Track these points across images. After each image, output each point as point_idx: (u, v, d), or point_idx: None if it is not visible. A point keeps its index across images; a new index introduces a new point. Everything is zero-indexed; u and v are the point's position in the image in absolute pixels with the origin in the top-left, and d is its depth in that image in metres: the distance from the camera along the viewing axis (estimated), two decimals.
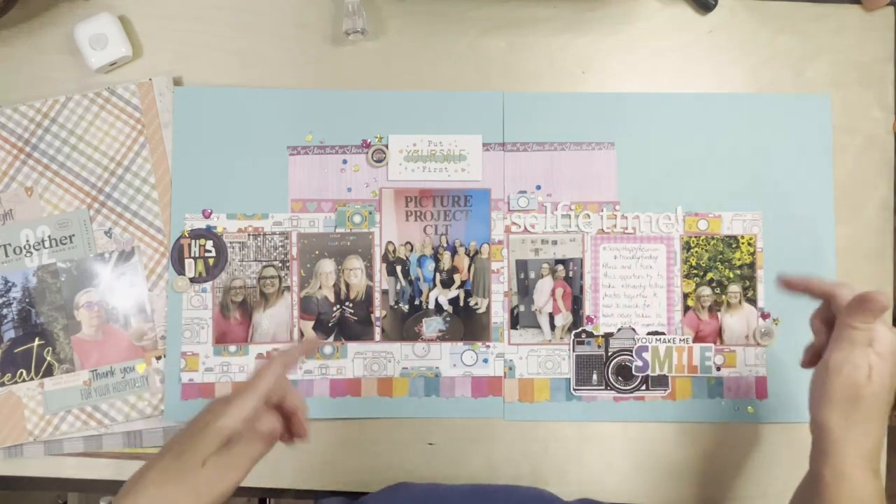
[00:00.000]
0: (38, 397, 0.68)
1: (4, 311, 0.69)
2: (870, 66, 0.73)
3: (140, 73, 0.72)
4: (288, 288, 0.70)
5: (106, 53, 0.70)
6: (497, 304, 0.71)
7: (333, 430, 0.70)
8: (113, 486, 0.69)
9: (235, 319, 0.70)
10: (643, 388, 0.70)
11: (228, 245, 0.70)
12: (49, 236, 0.70)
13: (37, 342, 0.69)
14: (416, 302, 0.71)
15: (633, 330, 0.71)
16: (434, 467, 0.70)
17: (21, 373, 0.69)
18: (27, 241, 0.70)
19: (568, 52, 0.73)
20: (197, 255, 0.70)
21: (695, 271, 0.71)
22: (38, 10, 0.73)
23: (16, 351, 0.69)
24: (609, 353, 0.70)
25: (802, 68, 0.73)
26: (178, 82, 0.72)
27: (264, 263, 0.70)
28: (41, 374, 0.69)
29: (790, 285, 0.57)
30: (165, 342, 0.69)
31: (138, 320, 0.69)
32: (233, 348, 0.70)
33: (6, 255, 0.69)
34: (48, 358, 0.69)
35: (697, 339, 0.71)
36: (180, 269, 0.70)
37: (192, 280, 0.70)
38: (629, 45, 0.73)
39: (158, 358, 0.69)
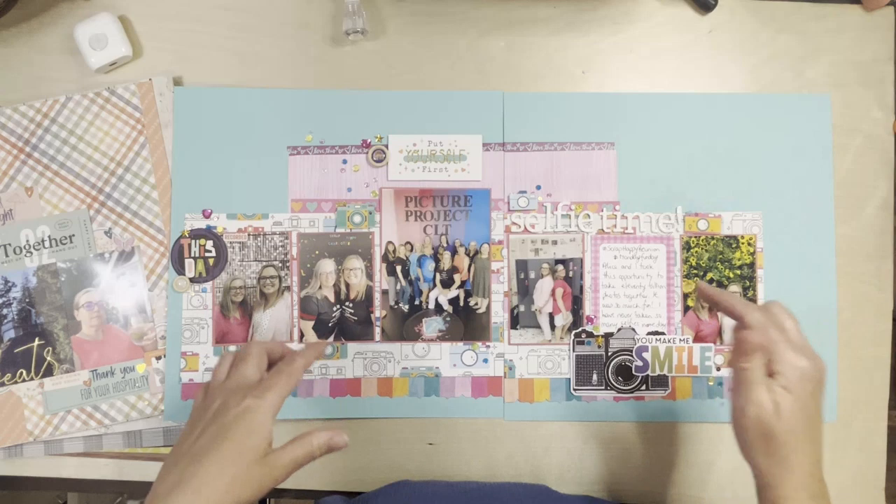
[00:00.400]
0: (38, 397, 0.68)
1: (4, 311, 0.69)
2: (870, 66, 0.73)
3: (140, 73, 0.72)
4: (288, 288, 0.70)
5: (106, 53, 0.70)
6: (497, 304, 0.71)
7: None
8: (113, 486, 0.70)
9: (235, 319, 0.70)
10: (643, 388, 0.70)
11: (228, 245, 0.70)
12: (49, 236, 0.70)
13: (37, 342, 0.69)
14: (416, 302, 0.71)
15: (633, 330, 0.71)
16: (434, 467, 0.70)
17: (21, 373, 0.69)
18: (27, 241, 0.70)
19: (568, 52, 0.73)
20: (197, 255, 0.70)
21: (695, 271, 0.71)
22: (38, 10, 0.73)
23: (16, 351, 0.69)
24: (609, 353, 0.70)
25: (802, 68, 0.73)
26: (178, 82, 0.72)
27: (264, 263, 0.70)
28: (41, 374, 0.69)
29: (704, 295, 0.57)
30: (165, 342, 0.69)
31: (138, 320, 0.69)
32: (233, 348, 0.70)
33: (6, 255, 0.69)
34: (48, 358, 0.69)
35: (697, 339, 0.71)
36: (180, 269, 0.70)
37: (193, 280, 0.70)
38: (629, 45, 0.73)
39: (158, 358, 0.69)
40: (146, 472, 0.69)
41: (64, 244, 0.70)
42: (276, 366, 0.53)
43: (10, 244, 0.70)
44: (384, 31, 0.73)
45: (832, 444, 0.70)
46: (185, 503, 0.44)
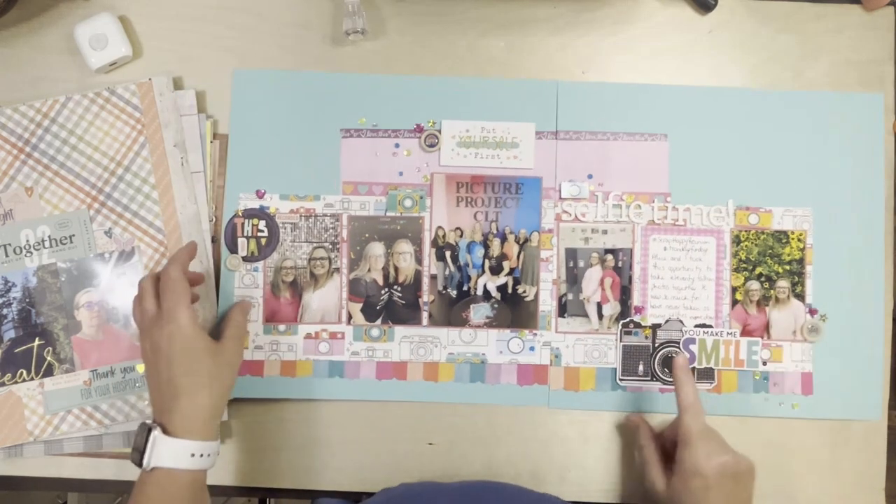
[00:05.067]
0: (38, 397, 0.68)
1: (4, 311, 0.69)
2: (870, 66, 0.73)
3: (140, 73, 0.72)
4: (338, 269, 0.71)
5: (106, 53, 0.70)
6: (545, 293, 0.71)
7: (334, 430, 0.70)
8: (113, 486, 0.70)
9: (286, 299, 0.71)
10: None
11: (280, 226, 0.71)
12: (49, 236, 0.70)
13: (37, 342, 0.69)
14: (465, 288, 0.71)
15: (681, 322, 0.71)
16: (434, 467, 0.70)
17: (21, 373, 0.69)
18: (27, 241, 0.70)
19: (568, 52, 0.73)
20: (250, 234, 0.71)
21: (744, 265, 0.71)
22: (38, 10, 0.73)
23: (16, 351, 0.69)
24: (656, 345, 0.70)
25: (802, 68, 0.73)
26: (177, 82, 0.72)
27: (315, 244, 0.71)
28: (41, 374, 0.69)
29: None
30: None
31: None
32: (282, 327, 0.70)
33: (6, 255, 0.69)
34: (48, 358, 0.69)
35: (745, 333, 0.71)
36: (233, 248, 0.71)
37: (245, 259, 0.71)
38: (629, 45, 0.73)
39: None
40: None
41: (64, 244, 0.70)
42: (161, 288, 0.61)
43: (10, 244, 0.70)
44: (384, 31, 0.73)
45: (832, 443, 0.70)
46: (178, 418, 0.57)
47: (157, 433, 0.55)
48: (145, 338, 0.60)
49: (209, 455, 0.58)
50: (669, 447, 0.64)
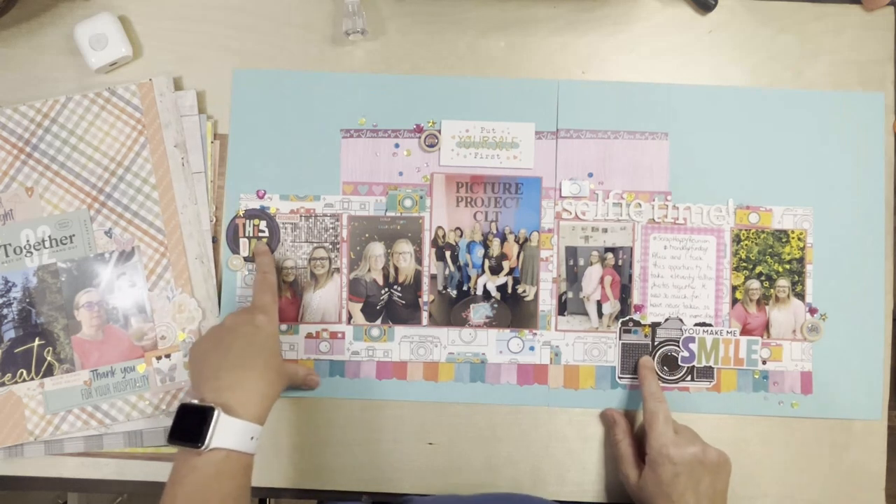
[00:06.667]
0: (38, 397, 0.68)
1: (4, 311, 0.69)
2: (870, 66, 0.73)
3: (140, 73, 0.72)
4: (338, 270, 0.71)
5: (106, 53, 0.70)
6: (545, 293, 0.71)
7: (334, 429, 0.70)
8: (113, 486, 0.70)
9: (286, 299, 0.71)
10: (688, 378, 0.70)
11: (281, 226, 0.71)
12: (49, 236, 0.70)
13: (37, 342, 0.69)
14: (465, 288, 0.71)
15: (681, 321, 0.71)
16: (434, 467, 0.70)
17: (21, 373, 0.69)
18: (27, 241, 0.70)
19: (568, 52, 0.73)
20: (251, 234, 0.71)
21: (744, 264, 0.71)
22: (38, 10, 0.73)
23: (16, 351, 0.69)
24: (655, 343, 0.71)
25: (802, 68, 0.73)
26: (177, 82, 0.72)
27: (315, 244, 0.71)
28: (41, 374, 0.69)
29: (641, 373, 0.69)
30: (165, 342, 0.69)
31: (138, 320, 0.70)
32: (283, 327, 0.71)
33: (6, 255, 0.70)
34: (48, 358, 0.69)
35: (745, 331, 0.71)
36: (235, 249, 0.71)
37: (246, 259, 0.71)
38: (629, 45, 0.73)
39: (159, 358, 0.69)
40: (147, 471, 0.69)
41: (64, 244, 0.70)
42: (258, 284, 0.67)
43: (10, 244, 0.70)
44: (384, 31, 0.73)
45: (832, 443, 0.70)
46: (241, 398, 0.57)
47: (220, 412, 0.54)
48: (225, 318, 0.63)
49: (258, 440, 0.58)
50: (645, 445, 0.64)
